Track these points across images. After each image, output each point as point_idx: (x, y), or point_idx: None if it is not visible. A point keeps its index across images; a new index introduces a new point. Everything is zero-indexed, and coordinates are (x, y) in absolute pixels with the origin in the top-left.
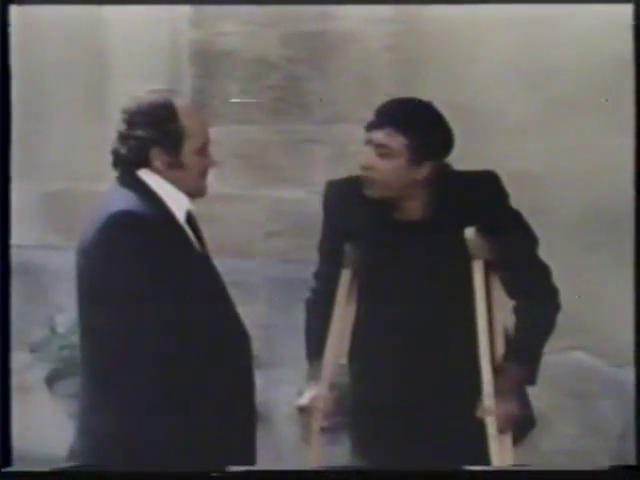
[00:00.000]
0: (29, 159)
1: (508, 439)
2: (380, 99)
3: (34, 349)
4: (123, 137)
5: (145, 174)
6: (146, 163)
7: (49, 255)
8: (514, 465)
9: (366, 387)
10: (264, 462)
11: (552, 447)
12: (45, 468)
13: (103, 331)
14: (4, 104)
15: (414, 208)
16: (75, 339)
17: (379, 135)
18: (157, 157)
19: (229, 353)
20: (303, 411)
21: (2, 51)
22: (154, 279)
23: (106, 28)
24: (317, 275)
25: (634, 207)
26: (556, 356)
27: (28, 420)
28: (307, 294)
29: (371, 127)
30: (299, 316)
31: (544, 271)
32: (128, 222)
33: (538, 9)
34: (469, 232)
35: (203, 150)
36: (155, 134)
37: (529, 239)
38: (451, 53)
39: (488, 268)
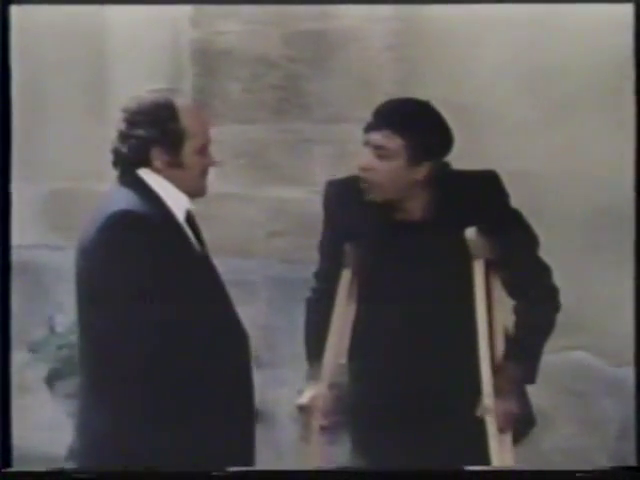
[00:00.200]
0: (29, 159)
1: (508, 438)
2: (381, 98)
3: (34, 349)
4: (123, 136)
5: (145, 173)
6: (146, 162)
7: (49, 255)
8: (514, 465)
9: (366, 386)
10: (264, 461)
11: (552, 446)
12: (45, 468)
13: (102, 330)
14: (4, 104)
15: (414, 208)
16: (75, 339)
17: (377, 137)
18: (157, 156)
19: (228, 353)
20: (303, 410)
21: (2, 51)
22: (153, 278)
23: (107, 28)
24: (317, 275)
25: (634, 207)
26: (556, 355)
27: (28, 420)
28: (307, 294)
29: (369, 129)
30: (299, 316)
31: (544, 271)
32: (128, 221)
33: (538, 9)
34: (469, 232)
35: (203, 150)
36: (155, 133)
37: (529, 239)
38: (451, 52)
39: (488, 268)
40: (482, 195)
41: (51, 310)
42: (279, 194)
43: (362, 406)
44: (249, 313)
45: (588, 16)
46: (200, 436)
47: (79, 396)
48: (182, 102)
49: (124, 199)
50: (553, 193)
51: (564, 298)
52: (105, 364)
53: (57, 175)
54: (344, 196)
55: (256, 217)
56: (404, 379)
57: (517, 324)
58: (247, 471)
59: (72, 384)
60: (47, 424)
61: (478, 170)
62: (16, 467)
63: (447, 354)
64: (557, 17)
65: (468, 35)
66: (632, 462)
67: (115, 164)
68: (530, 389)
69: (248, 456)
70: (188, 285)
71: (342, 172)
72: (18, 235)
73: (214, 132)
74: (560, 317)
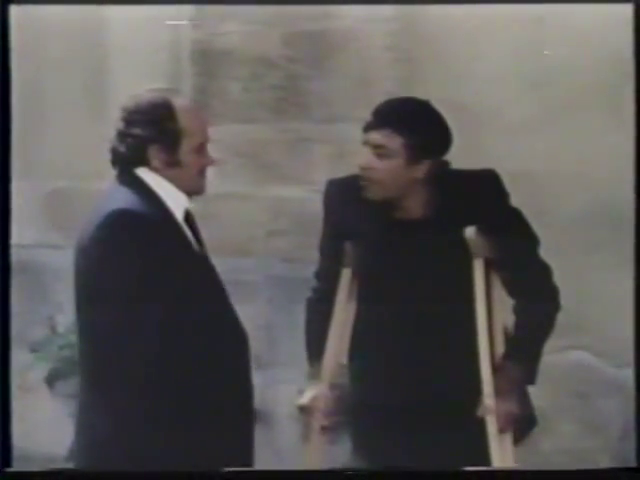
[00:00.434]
0: (29, 158)
1: (508, 438)
2: (380, 98)
3: (34, 348)
4: (121, 135)
5: (143, 172)
6: (144, 162)
7: (49, 254)
8: (514, 465)
9: (366, 386)
10: (264, 461)
11: (552, 447)
12: (45, 468)
13: (100, 330)
14: (4, 104)
15: (414, 207)
16: (75, 338)
17: (376, 136)
18: (155, 156)
19: (227, 353)
20: (304, 410)
21: (2, 51)
22: (151, 278)
23: (107, 28)
24: (318, 274)
25: (634, 206)
26: (557, 356)
27: (28, 420)
28: (308, 293)
29: (368, 128)
30: (299, 315)
31: (544, 270)
32: (126, 221)
33: (538, 8)
34: (469, 231)
35: (201, 149)
36: (153, 133)
37: (529, 238)
38: (451, 52)
39: (488, 267)
40: (482, 194)
41: (52, 310)
42: (279, 193)
43: (362, 406)
44: (249, 312)
45: (588, 16)
46: (199, 436)
47: (79, 396)
48: (179, 101)
49: (122, 198)
50: (553, 193)
51: (564, 298)
52: (104, 364)
53: (57, 174)
54: (344, 195)
55: (256, 216)
56: (404, 379)
57: (517, 324)
58: (247, 471)
59: (73, 384)
60: (47, 424)
61: (478, 169)
62: (16, 467)
63: (447, 354)
64: (557, 17)
65: (468, 35)
66: (633, 463)
67: (113, 163)
68: (530, 389)
69: (247, 456)
70: (186, 284)
71: (342, 172)
72: (18, 234)
73: (214, 132)
74: (560, 317)
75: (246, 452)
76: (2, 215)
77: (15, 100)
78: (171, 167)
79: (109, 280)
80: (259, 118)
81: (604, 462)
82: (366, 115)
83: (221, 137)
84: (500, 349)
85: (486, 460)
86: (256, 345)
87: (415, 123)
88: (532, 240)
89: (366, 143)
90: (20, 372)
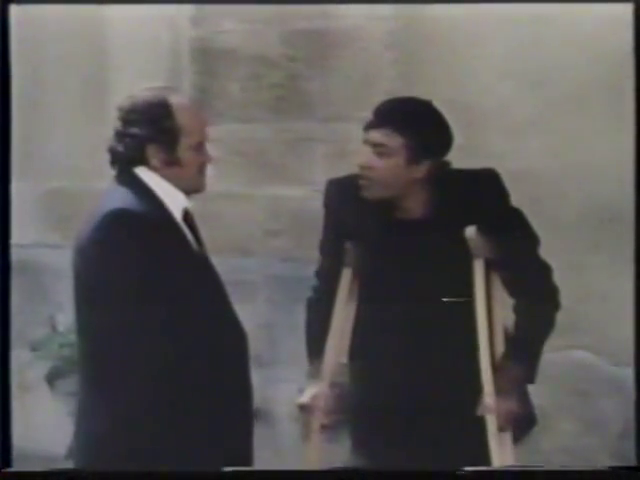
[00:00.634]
0: (29, 158)
1: (508, 437)
2: (381, 97)
3: (34, 347)
4: (119, 135)
5: (142, 172)
6: (143, 161)
7: (49, 254)
8: (514, 465)
9: (366, 385)
10: (264, 460)
11: (552, 445)
12: (45, 468)
13: (99, 329)
14: (4, 103)
15: (414, 207)
16: (75, 337)
17: (376, 134)
18: (153, 155)
19: (226, 352)
20: (304, 409)
21: (2, 51)
22: (150, 277)
23: (106, 27)
24: (318, 274)
25: (634, 206)
26: (557, 355)
27: (28, 419)
28: (307, 293)
29: (369, 127)
30: (299, 315)
31: (544, 270)
32: (124, 220)
33: (539, 8)
34: (469, 231)
35: (200, 147)
36: (151, 132)
37: (530, 238)
38: (451, 52)
39: (488, 267)
40: (482, 194)
41: (52, 309)
42: (279, 193)
43: (362, 405)
44: (249, 312)
45: (588, 15)
46: (198, 435)
47: (78, 395)
48: (177, 100)
49: (121, 198)
50: (553, 192)
51: (564, 297)
52: (103, 363)
53: (57, 174)
54: (345, 195)
55: (255, 216)
56: (404, 378)
57: (517, 323)
58: (246, 471)
59: (73, 383)
60: (47, 423)
61: (478, 169)
62: (16, 467)
63: (447, 353)
64: (557, 16)
65: (468, 34)
66: (633, 461)
67: (112, 163)
68: (530, 388)
69: (246, 456)
70: (186, 284)
71: (342, 171)
72: (18, 234)
73: (213, 131)
74: (561, 316)
75: (245, 451)
76: (2, 215)
77: (15, 100)
78: (170, 166)
79: (108, 280)
80: (259, 117)
81: (604, 461)
82: (366, 114)
83: (221, 136)
84: (500, 348)
85: (486, 459)
86: (256, 344)
87: (416, 123)
88: (532, 240)
89: (366, 142)
90: (20, 371)
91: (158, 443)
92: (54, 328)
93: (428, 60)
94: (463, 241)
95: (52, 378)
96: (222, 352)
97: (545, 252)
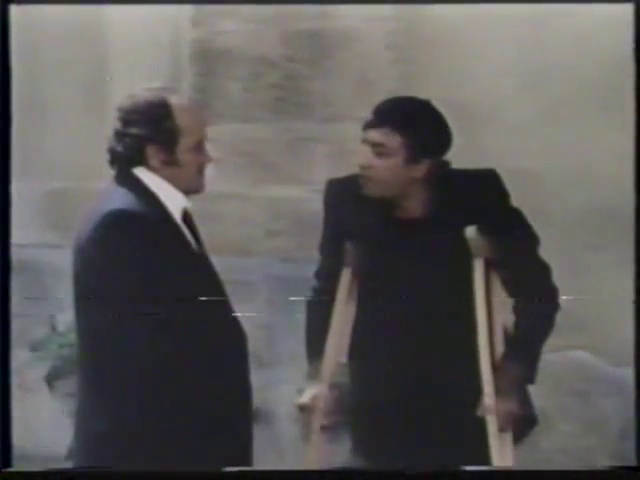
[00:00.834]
0: (29, 158)
1: (508, 438)
2: (380, 98)
3: (34, 348)
4: (119, 135)
5: (141, 172)
6: (142, 161)
7: (49, 254)
8: (514, 465)
9: (366, 386)
10: (264, 461)
11: (552, 446)
12: (45, 468)
13: (99, 329)
14: (4, 103)
15: (414, 206)
16: (75, 337)
17: (376, 134)
18: (153, 155)
19: (226, 353)
20: (303, 410)
21: (2, 51)
22: (149, 278)
23: (107, 27)
24: (318, 274)
25: (634, 206)
26: (557, 355)
27: (28, 419)
28: (307, 293)
29: (368, 126)
30: (299, 315)
31: (544, 270)
32: (123, 221)
33: (539, 8)
34: (469, 231)
35: (199, 147)
36: (150, 132)
37: (530, 238)
38: (451, 52)
39: (488, 267)
40: (482, 194)
41: (52, 309)
42: (278, 193)
43: (362, 405)
44: (249, 312)
45: (588, 15)
46: (198, 436)
47: (77, 395)
48: (176, 99)
49: (120, 198)
50: (553, 192)
51: (564, 297)
52: (102, 363)
53: (57, 174)
54: (344, 195)
55: (255, 216)
56: (404, 378)
57: (517, 323)
58: (246, 471)
59: (72, 383)
60: (47, 423)
61: (478, 169)
62: (16, 467)
63: (447, 353)
64: (557, 16)
65: (468, 34)
66: (633, 462)
67: (111, 163)
68: (530, 388)
69: (246, 456)
70: (185, 284)
71: (342, 171)
72: (18, 234)
73: (213, 131)
74: (561, 316)
75: (245, 452)
76: (2, 215)
77: (15, 100)
78: (169, 166)
79: (107, 280)
80: (259, 117)
81: (603, 461)
82: (366, 114)
83: (221, 136)
84: (500, 348)
85: (486, 459)
86: (256, 345)
87: (415, 122)
88: (532, 240)
89: (365, 141)
90: (20, 371)
91: (158, 443)
92: (54, 328)
93: (428, 60)
94: (463, 241)
95: (52, 378)
96: (222, 352)
97: (545, 252)
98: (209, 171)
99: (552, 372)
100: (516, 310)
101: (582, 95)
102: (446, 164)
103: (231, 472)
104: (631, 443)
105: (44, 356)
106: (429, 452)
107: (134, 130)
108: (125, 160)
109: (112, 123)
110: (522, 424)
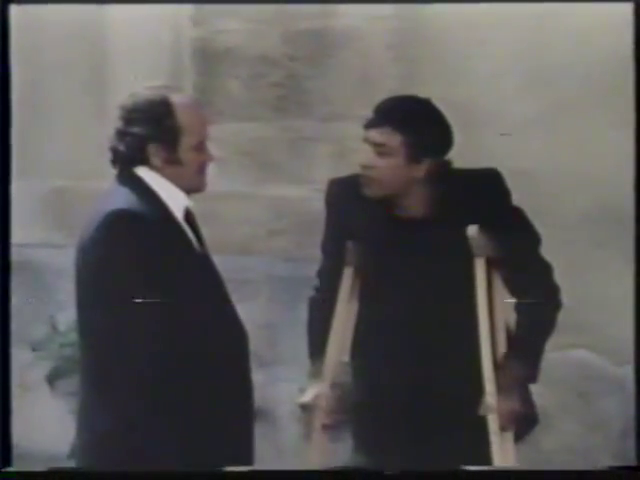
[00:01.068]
0: (30, 157)
1: (510, 436)
2: (381, 96)
3: (35, 347)
4: (120, 134)
5: (143, 171)
6: (144, 160)
7: (50, 253)
8: (515, 465)
9: (368, 385)
10: (266, 460)
11: (554, 445)
12: (45, 468)
13: (101, 329)
14: (4, 103)
15: (416, 206)
16: (76, 337)
17: (376, 134)
18: (154, 154)
19: (227, 352)
20: (305, 409)
21: (2, 51)
22: (152, 277)
23: (107, 27)
24: (319, 273)
25: (635, 205)
26: (558, 354)
27: (29, 418)
28: (309, 292)
29: (369, 125)
30: (301, 314)
31: (546, 269)
32: (125, 220)
33: (539, 7)
34: (471, 230)
35: (201, 146)
36: (152, 131)
37: (531, 237)
38: (452, 51)
39: (490, 266)
40: (484, 193)
41: (52, 308)
42: (280, 192)
43: (364, 405)
44: (250, 311)
45: (588, 15)
46: (199, 435)
47: (79, 395)
48: (178, 99)
49: (122, 198)
50: (553, 192)
51: (565, 296)
52: (104, 363)
53: (58, 174)
54: (346, 194)
55: (257, 215)
56: (406, 377)
57: (519, 322)
58: (247, 471)
59: (73, 382)
60: (48, 423)
61: (480, 168)
62: (16, 467)
63: (449, 352)
64: (557, 16)
65: (469, 33)
66: (633, 461)
67: (113, 162)
68: (531, 388)
69: (247, 456)
70: (187, 284)
71: (343, 170)
72: (19, 234)
73: (215, 130)
74: (562, 316)
75: (246, 451)
76: (3, 214)
77: (15, 100)
78: (171, 165)
79: (109, 280)
80: (260, 116)
81: (605, 460)
82: (367, 113)
83: (222, 135)
84: (502, 348)
85: (487, 458)
86: (257, 344)
87: (415, 122)
88: (534, 239)
89: (366, 141)
90: (21, 371)
91: (158, 443)
92: (55, 328)
93: (428, 59)
94: (464, 240)
95: (53, 378)
96: (223, 351)
97: (546, 251)
98: (210, 170)
99: (553, 371)
100: (518, 309)
101: (582, 95)
102: (447, 163)
103: (232, 472)
104: (632, 442)
105: (45, 355)
106: (430, 451)
107: (136, 129)
108: (127, 159)
109: (114, 122)
110: (523, 423)
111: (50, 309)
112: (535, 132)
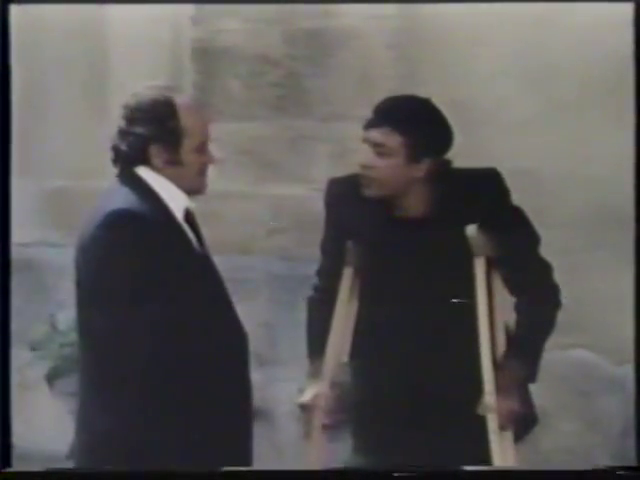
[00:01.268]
0: (30, 157)
1: (509, 436)
2: (381, 96)
3: (35, 347)
4: (123, 133)
5: (144, 172)
6: (145, 160)
7: (50, 253)
8: (514, 465)
9: (367, 385)
10: (265, 460)
11: (553, 445)
12: (45, 468)
13: (100, 329)
14: (4, 103)
15: (415, 206)
16: (76, 337)
17: (376, 134)
18: (156, 154)
19: (226, 352)
20: (304, 409)
21: (2, 50)
22: (151, 277)
23: (107, 26)
24: (319, 273)
25: (634, 205)
26: (558, 353)
27: (28, 418)
28: (309, 291)
29: (368, 125)
30: (301, 313)
31: (545, 269)
32: (126, 220)
33: (539, 7)
34: (471, 229)
35: (202, 148)
36: (154, 131)
37: (531, 237)
38: (452, 51)
39: (489, 265)
40: (483, 192)
41: (52, 308)
42: (280, 191)
43: (364, 404)
44: (250, 311)
45: (588, 14)
46: (198, 435)
47: (79, 395)
48: (181, 100)
49: (122, 198)
50: (553, 191)
51: (565, 296)
52: (104, 363)
53: (58, 173)
54: (346, 194)
55: (257, 215)
56: (405, 377)
57: (518, 322)
58: (246, 471)
59: (73, 382)
60: (48, 422)
61: (480, 168)
62: (16, 467)
63: (448, 352)
64: (557, 16)
65: (468, 33)
66: (633, 461)
67: (114, 162)
68: (531, 387)
69: (246, 456)
70: (186, 284)
71: (343, 170)
72: (19, 233)
73: (215, 130)
74: (562, 315)
75: (245, 451)
76: (3, 213)
77: (15, 100)
78: (172, 166)
79: (109, 279)
80: (260, 116)
81: (604, 460)
82: (367, 113)
83: (221, 135)
84: (501, 347)
85: (486, 458)
86: (257, 343)
87: (415, 122)
88: (533, 238)
89: (366, 141)
90: (20, 370)
91: (157, 443)
92: (54, 327)
93: (428, 59)
94: (464, 239)
95: (52, 377)
96: (222, 351)
97: (546, 250)
98: (210, 170)
99: (553, 371)
100: (517, 309)
101: (582, 95)
102: (447, 163)
103: (231, 472)
104: (632, 442)
105: (45, 355)
106: (430, 451)
107: (138, 129)
108: (128, 159)
109: (116, 121)
110: (523, 423)
111: (50, 308)
112: (535, 132)
